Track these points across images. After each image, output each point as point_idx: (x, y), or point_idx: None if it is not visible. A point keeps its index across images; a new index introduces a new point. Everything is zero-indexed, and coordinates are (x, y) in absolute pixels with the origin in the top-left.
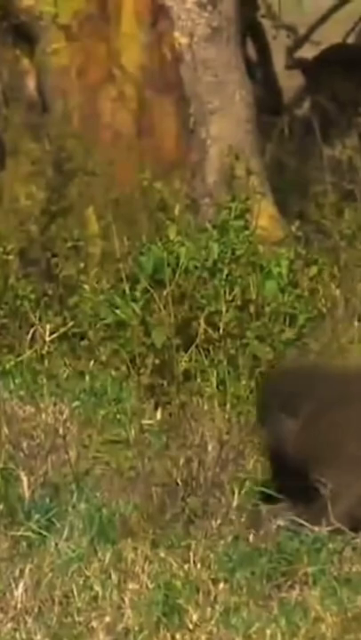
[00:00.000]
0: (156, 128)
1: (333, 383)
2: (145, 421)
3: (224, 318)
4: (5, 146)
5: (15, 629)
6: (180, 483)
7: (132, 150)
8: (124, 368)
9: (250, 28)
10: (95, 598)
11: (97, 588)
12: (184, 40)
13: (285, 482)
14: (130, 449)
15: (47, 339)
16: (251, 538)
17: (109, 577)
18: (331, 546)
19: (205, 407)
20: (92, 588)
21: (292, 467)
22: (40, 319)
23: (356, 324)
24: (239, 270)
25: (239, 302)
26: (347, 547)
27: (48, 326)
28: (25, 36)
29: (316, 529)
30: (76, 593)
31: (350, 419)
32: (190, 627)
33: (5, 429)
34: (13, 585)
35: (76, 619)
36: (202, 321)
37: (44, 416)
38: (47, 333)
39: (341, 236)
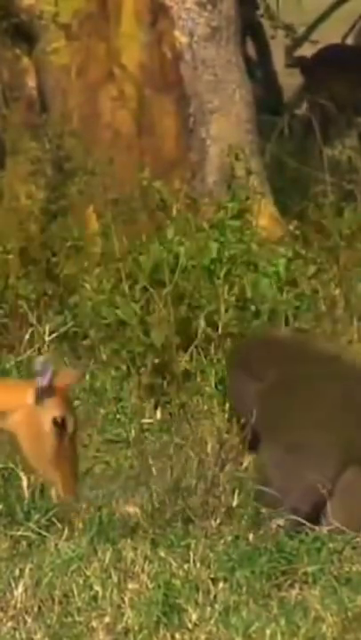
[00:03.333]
0: (156, 127)
1: (304, 358)
2: (145, 421)
3: (223, 318)
4: (5, 145)
5: (15, 629)
6: (179, 483)
7: (132, 150)
8: (124, 367)
9: (250, 28)
10: (95, 598)
11: (97, 587)
12: (184, 39)
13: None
14: (130, 449)
15: (47, 338)
16: (251, 537)
17: (109, 577)
18: (331, 545)
19: (205, 407)
20: (91, 588)
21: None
22: (40, 319)
23: (355, 323)
24: (238, 270)
25: (238, 302)
26: (347, 546)
27: (48, 326)
28: (25, 35)
29: (317, 528)
30: (76, 593)
31: (303, 402)
32: (190, 626)
33: None
34: (13, 585)
35: (76, 618)
36: (201, 320)
37: None
38: (47, 333)
39: (341, 236)
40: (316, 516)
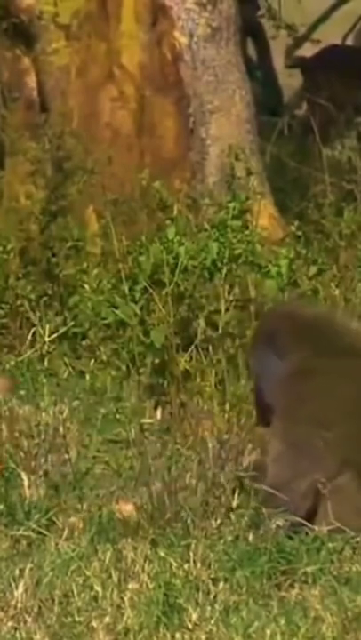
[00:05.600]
0: (156, 127)
1: (332, 341)
2: (145, 421)
3: (223, 318)
4: (5, 145)
5: (15, 629)
6: (179, 483)
7: (132, 150)
8: (123, 368)
9: (250, 28)
10: (95, 598)
11: (97, 587)
12: (184, 40)
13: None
14: (130, 449)
15: (47, 339)
16: (251, 537)
17: (109, 577)
18: (330, 545)
19: (205, 407)
20: (92, 588)
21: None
22: (40, 319)
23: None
24: (238, 270)
25: (239, 302)
26: (346, 546)
27: (48, 326)
28: (25, 35)
29: (317, 528)
30: (76, 593)
31: (323, 390)
32: (190, 626)
33: (5, 429)
34: (13, 585)
35: (76, 618)
36: (201, 321)
37: (44, 416)
38: (47, 333)
39: (341, 236)
40: (309, 518)
